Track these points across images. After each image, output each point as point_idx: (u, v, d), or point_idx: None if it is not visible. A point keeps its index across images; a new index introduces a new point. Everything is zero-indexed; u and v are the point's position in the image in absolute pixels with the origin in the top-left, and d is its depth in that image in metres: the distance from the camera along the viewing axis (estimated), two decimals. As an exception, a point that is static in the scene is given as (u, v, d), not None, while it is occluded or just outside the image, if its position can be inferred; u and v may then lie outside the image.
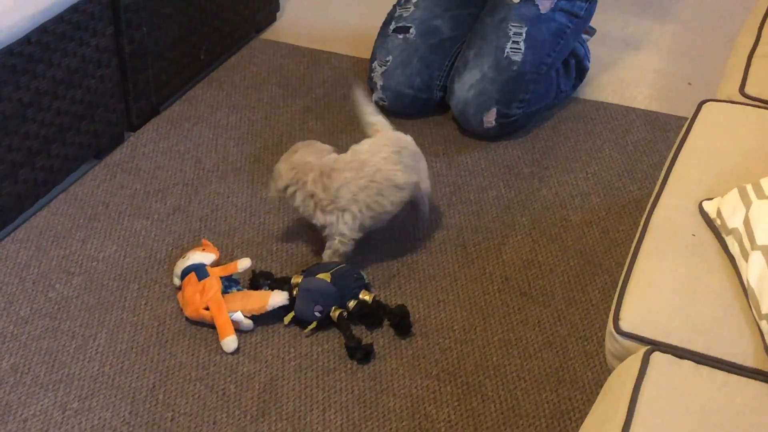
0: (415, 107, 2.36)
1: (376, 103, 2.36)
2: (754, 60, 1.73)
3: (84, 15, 2.08)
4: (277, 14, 2.82)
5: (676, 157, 1.51)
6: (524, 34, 2.23)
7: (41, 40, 1.98)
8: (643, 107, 2.43)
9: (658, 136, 2.32)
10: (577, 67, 2.45)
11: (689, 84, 2.53)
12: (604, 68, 2.59)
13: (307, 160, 1.90)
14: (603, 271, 1.94)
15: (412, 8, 2.35)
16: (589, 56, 2.50)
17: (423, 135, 2.33)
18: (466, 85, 2.23)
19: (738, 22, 2.01)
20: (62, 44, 2.04)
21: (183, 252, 1.94)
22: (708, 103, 1.62)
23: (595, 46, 2.59)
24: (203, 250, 1.89)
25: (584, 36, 2.51)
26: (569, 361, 1.76)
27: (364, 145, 1.93)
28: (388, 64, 2.31)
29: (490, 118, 2.24)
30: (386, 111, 2.37)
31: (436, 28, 2.33)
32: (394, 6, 2.41)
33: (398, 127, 2.31)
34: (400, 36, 2.31)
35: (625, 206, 2.11)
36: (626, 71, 2.59)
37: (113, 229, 2.05)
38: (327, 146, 1.96)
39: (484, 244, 2.01)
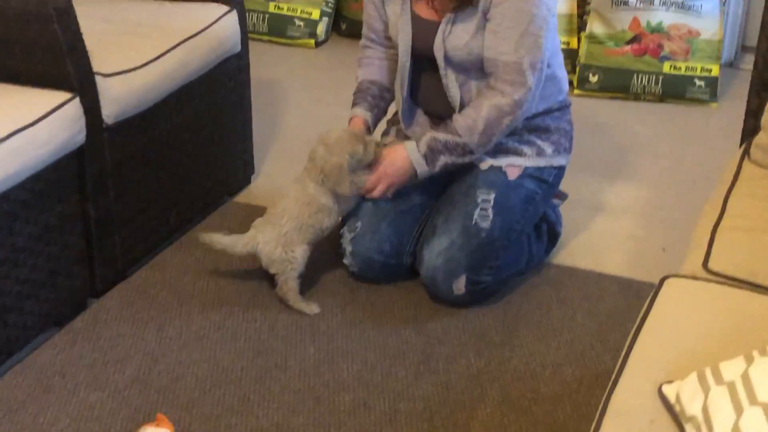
0: (384, 273, 2.35)
1: (347, 269, 2.35)
2: (718, 233, 1.72)
3: (48, 183, 2.08)
4: (252, 177, 2.84)
5: (637, 335, 1.48)
6: (492, 201, 2.23)
7: (2, 209, 1.98)
8: (616, 273, 2.42)
9: (632, 304, 2.29)
10: (549, 233, 2.45)
11: (663, 250, 2.53)
12: (577, 233, 2.59)
13: None
14: (574, 447, 1.88)
15: (381, 174, 2.36)
16: (561, 221, 2.50)
17: (392, 301, 2.31)
18: (435, 252, 2.22)
19: (712, 188, 2.01)
20: (24, 212, 2.04)
21: (136, 427, 1.88)
22: (670, 279, 1.60)
23: (567, 211, 2.59)
24: (157, 425, 1.84)
25: (556, 201, 2.52)
26: None
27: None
28: (357, 229, 2.31)
29: (460, 285, 2.22)
30: (356, 277, 2.36)
31: (405, 193, 2.34)
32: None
33: (367, 293, 2.32)
34: (369, 201, 2.32)
35: (597, 377, 2.06)
36: (599, 237, 2.59)
37: (68, 401, 1.99)
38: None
39: (451, 418, 1.95)
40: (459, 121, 2.19)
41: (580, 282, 2.38)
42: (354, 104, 2.38)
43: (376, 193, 2.27)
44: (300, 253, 2.23)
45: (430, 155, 2.21)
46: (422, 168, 2.22)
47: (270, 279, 2.30)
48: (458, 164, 2.22)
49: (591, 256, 2.49)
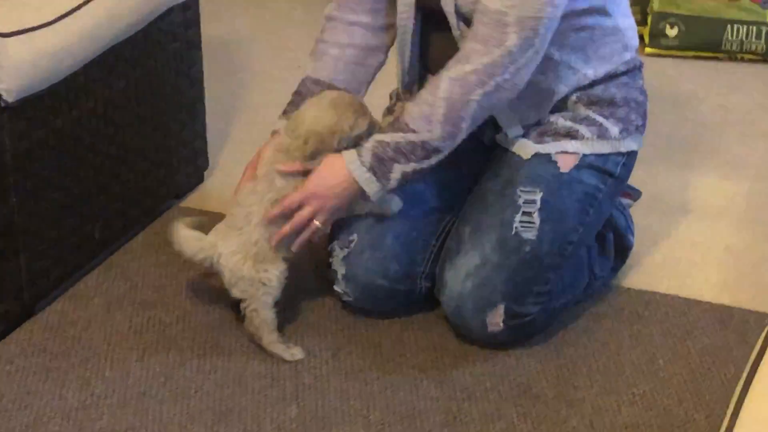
0: (390, 303, 2.35)
1: (339, 298, 2.36)
2: None
3: (-73, 184, 2.07)
4: (205, 173, 2.84)
5: (748, 386, 1.46)
6: (539, 202, 2.23)
7: None
8: (710, 299, 2.43)
9: (733, 341, 2.30)
10: (617, 244, 2.45)
11: (774, 265, 2.54)
12: (656, 245, 2.59)
13: None
14: None
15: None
16: (632, 229, 2.50)
17: (403, 342, 2.30)
18: (462, 274, 2.22)
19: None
20: None
21: None
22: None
23: (641, 213, 2.59)
24: None
25: (625, 201, 2.53)
26: None
27: None
28: (352, 245, 2.31)
29: (497, 319, 2.22)
30: (352, 309, 2.36)
31: (417, 194, 2.34)
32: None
33: (369, 331, 2.33)
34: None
35: (688, 444, 2.07)
36: (687, 249, 2.60)
37: (-42, 486, 1.98)
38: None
39: (488, 502, 1.96)
40: (412, 111, 2.17)
41: (660, 312, 2.38)
42: (284, 112, 2.36)
43: (297, 220, 2.19)
44: (276, 273, 2.22)
45: (379, 167, 2.16)
46: (372, 186, 2.18)
47: (235, 310, 2.29)
48: (425, 170, 2.19)
49: (675, 276, 2.49)
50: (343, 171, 2.18)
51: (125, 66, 2.48)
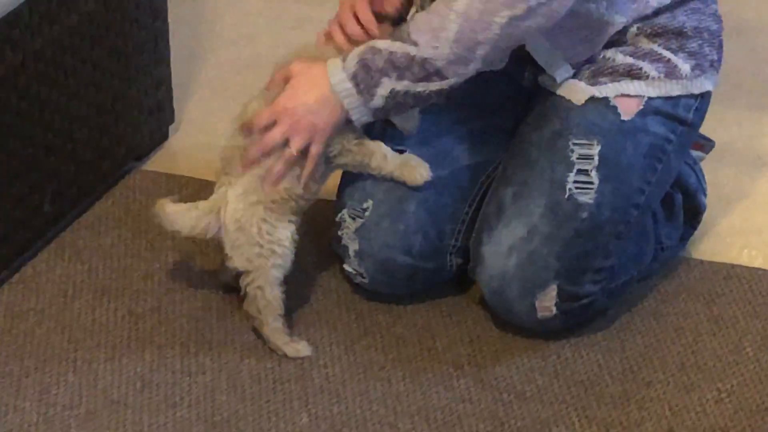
0: (414, 285, 2.36)
1: (351, 280, 2.37)
2: None
3: None
4: (170, 129, 2.84)
5: None
6: (597, 158, 2.24)
7: None
8: (803, 272, 2.45)
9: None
10: (686, 208, 2.47)
11: None
12: (731, 207, 2.61)
13: None
14: None
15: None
16: (704, 187, 2.52)
17: (431, 332, 2.32)
18: (504, 248, 2.23)
19: None
20: None
21: None
22: None
23: (709, 168, 2.59)
24: None
25: (696, 153, 2.54)
26: None
27: None
28: (366, 213, 2.32)
29: (548, 302, 2.23)
30: (367, 292, 2.38)
31: (444, 151, 2.35)
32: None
33: (390, 319, 2.34)
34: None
35: (789, 449, 2.10)
36: (768, 210, 2.62)
37: None
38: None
39: None
40: (418, 20, 2.17)
41: (743, 288, 2.40)
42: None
43: (266, 141, 2.19)
44: (287, 234, 2.23)
45: (364, 78, 2.16)
46: (352, 100, 2.18)
47: (228, 289, 2.32)
48: (421, 97, 2.19)
49: (757, 245, 2.51)
50: (322, 80, 2.18)
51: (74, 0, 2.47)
